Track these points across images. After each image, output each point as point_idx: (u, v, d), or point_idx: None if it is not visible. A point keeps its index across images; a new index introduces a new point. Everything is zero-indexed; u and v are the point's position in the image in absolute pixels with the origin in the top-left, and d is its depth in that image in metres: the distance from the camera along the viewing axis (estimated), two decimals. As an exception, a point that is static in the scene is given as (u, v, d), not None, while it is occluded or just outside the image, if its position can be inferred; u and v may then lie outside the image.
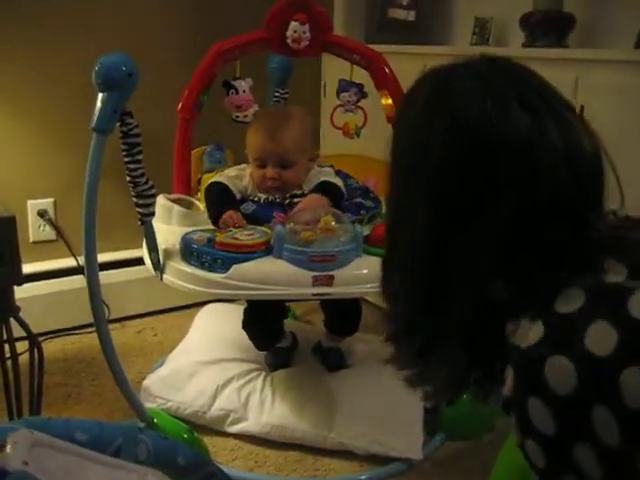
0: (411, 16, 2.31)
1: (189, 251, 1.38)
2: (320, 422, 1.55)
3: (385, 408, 1.58)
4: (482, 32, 2.11)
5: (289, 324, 1.91)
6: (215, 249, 1.34)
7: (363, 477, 1.47)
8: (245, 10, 2.23)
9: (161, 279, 1.42)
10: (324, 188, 1.52)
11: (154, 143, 1.89)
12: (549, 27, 1.85)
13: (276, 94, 2.03)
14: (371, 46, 2.23)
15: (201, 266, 1.35)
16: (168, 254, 1.42)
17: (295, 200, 1.52)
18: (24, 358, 1.43)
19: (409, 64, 1.77)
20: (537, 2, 1.90)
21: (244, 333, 1.75)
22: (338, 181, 1.58)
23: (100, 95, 1.21)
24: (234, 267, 1.31)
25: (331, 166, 1.69)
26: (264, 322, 1.69)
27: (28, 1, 1.96)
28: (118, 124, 1.25)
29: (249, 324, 1.69)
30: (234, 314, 1.96)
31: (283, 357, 1.77)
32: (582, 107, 1.65)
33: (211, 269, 1.33)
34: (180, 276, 1.38)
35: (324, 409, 1.58)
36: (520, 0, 1.96)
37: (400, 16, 2.32)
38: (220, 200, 1.50)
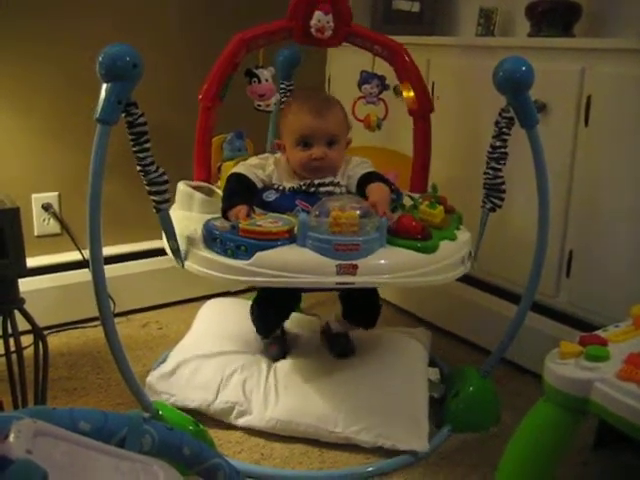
0: (416, 7, 2.30)
1: (212, 238, 1.37)
2: (325, 416, 1.55)
3: (390, 400, 1.57)
4: (487, 22, 2.10)
5: (292, 316, 1.90)
6: (239, 236, 1.34)
7: (369, 469, 1.47)
8: (253, 2, 2.24)
9: (182, 266, 1.42)
10: (380, 178, 1.54)
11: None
12: (555, 16, 1.85)
13: (282, 86, 2.03)
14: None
15: (224, 253, 1.34)
16: (190, 241, 1.41)
17: (321, 189, 1.51)
18: (29, 352, 1.42)
19: (414, 55, 1.77)
20: (543, -9, 1.89)
21: (247, 327, 1.74)
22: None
23: (104, 86, 1.20)
24: (258, 254, 1.31)
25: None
26: (276, 306, 1.67)
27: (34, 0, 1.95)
28: (123, 115, 1.24)
29: (261, 304, 1.68)
30: (237, 308, 1.96)
31: (279, 347, 1.75)
32: (589, 97, 1.65)
33: (234, 256, 1.33)
34: (203, 263, 1.37)
35: (329, 402, 1.57)
36: (526, -10, 1.95)
37: (405, 7, 2.32)
38: (234, 193, 1.50)
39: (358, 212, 1.34)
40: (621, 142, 1.62)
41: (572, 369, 1.15)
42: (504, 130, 1.44)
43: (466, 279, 2.04)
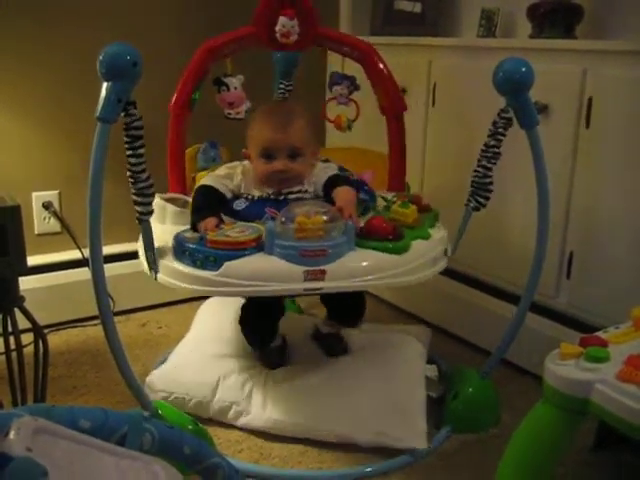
0: (417, 8, 2.30)
1: (181, 249, 1.37)
2: (323, 415, 1.55)
3: (388, 399, 1.57)
4: (489, 23, 2.10)
5: (290, 317, 1.90)
6: (207, 247, 1.34)
7: (368, 469, 1.47)
8: (242, 5, 2.23)
9: (155, 278, 1.42)
10: (345, 181, 1.54)
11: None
12: (557, 18, 1.84)
13: (280, 86, 2.02)
14: (377, 38, 2.23)
15: (193, 264, 1.34)
16: (162, 253, 1.42)
17: (290, 197, 1.52)
18: (29, 350, 1.42)
19: (415, 56, 1.77)
20: (544, -7, 1.88)
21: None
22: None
23: (104, 84, 1.20)
24: (226, 264, 1.31)
25: (327, 160, 1.70)
26: (259, 320, 1.68)
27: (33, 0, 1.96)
28: (122, 114, 1.24)
29: (244, 321, 1.68)
30: (236, 307, 1.96)
31: (275, 357, 1.74)
32: (590, 99, 1.65)
33: (203, 267, 1.33)
34: (173, 274, 1.37)
35: (327, 402, 1.57)
36: (527, -9, 1.95)
37: (406, 8, 2.31)
38: (202, 205, 1.50)
39: (324, 217, 1.34)
40: (622, 144, 1.62)
41: (572, 370, 1.15)
42: (500, 130, 1.44)
43: (466, 279, 2.04)
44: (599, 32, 1.86)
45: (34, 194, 2.08)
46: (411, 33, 2.18)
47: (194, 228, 1.45)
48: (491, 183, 1.49)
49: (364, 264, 1.35)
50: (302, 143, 1.54)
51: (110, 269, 1.34)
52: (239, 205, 1.53)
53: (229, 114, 1.70)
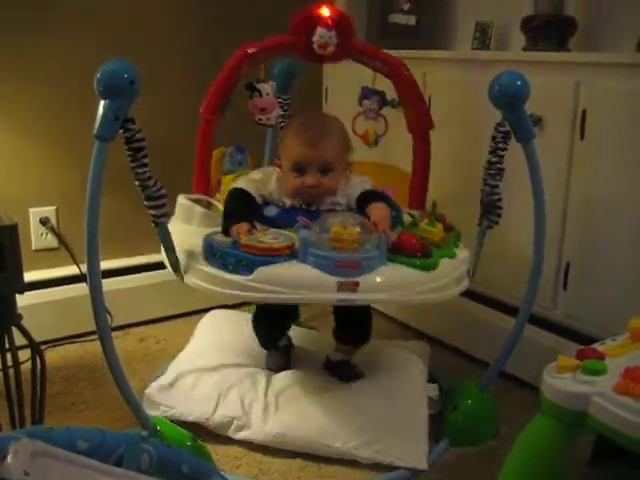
0: (412, 21, 2.31)
1: (212, 252, 1.37)
2: (324, 430, 1.54)
3: (390, 416, 1.57)
4: (483, 36, 2.11)
5: (292, 331, 1.91)
6: (240, 251, 1.34)
7: (367, 484, 1.46)
8: (242, 22, 2.25)
9: (182, 280, 1.41)
10: (380, 197, 1.55)
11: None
12: (550, 31, 1.85)
13: (279, 100, 2.03)
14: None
15: (224, 268, 1.34)
16: (190, 255, 1.41)
17: (322, 207, 1.52)
18: (26, 366, 1.42)
19: (410, 69, 1.77)
20: (538, 6, 1.90)
21: (246, 339, 1.75)
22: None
23: (102, 102, 1.21)
24: (259, 269, 1.31)
25: None
26: (275, 321, 1.69)
27: (30, 11, 1.96)
28: (121, 131, 1.25)
29: (260, 319, 1.70)
30: (237, 321, 1.96)
31: (281, 357, 1.76)
32: (584, 111, 1.66)
33: (235, 271, 1.33)
34: (203, 277, 1.37)
35: (328, 417, 1.57)
36: (521, 4, 1.96)
37: (401, 21, 2.32)
38: (235, 210, 1.49)
39: (358, 229, 1.34)
40: (617, 155, 1.63)
41: (569, 383, 1.15)
42: (500, 145, 1.45)
43: (464, 292, 2.04)
44: (592, 45, 1.88)
45: (31, 210, 2.08)
46: (406, 46, 2.18)
47: (225, 231, 1.44)
48: (499, 200, 1.49)
49: (395, 279, 1.35)
50: (334, 158, 1.53)
51: (107, 284, 1.34)
52: (270, 212, 1.53)
53: (260, 120, 1.70)
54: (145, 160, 1.29)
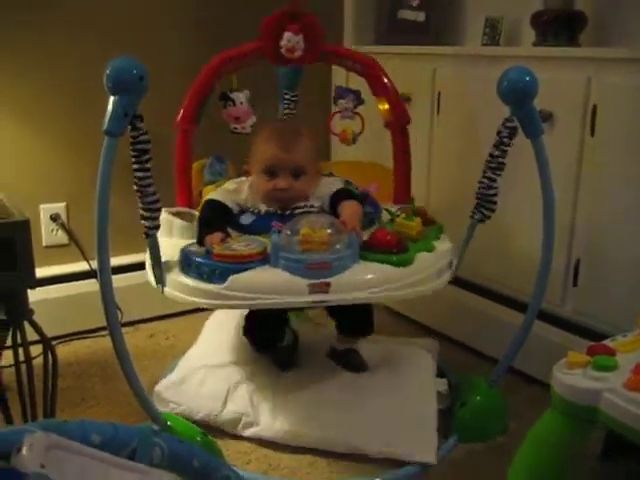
0: (421, 17, 2.31)
1: (188, 263, 1.38)
2: (333, 427, 1.55)
3: (399, 411, 1.57)
4: (492, 32, 2.10)
5: (297, 325, 1.91)
6: (213, 260, 1.35)
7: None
8: (248, 20, 2.25)
9: (162, 292, 1.43)
10: (351, 195, 1.55)
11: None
12: (560, 26, 1.84)
13: (285, 97, 2.03)
14: (381, 47, 2.24)
15: (200, 277, 1.35)
16: (168, 266, 1.43)
17: (297, 212, 1.52)
18: (38, 362, 1.43)
19: (420, 65, 1.78)
20: (548, 1, 1.89)
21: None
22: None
23: (111, 98, 1.21)
24: (231, 277, 1.32)
25: (330, 174, 1.71)
26: (263, 328, 1.69)
27: (37, 10, 1.97)
28: (129, 128, 1.25)
29: (249, 331, 1.71)
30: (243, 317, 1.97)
31: (285, 355, 1.77)
32: (595, 107, 1.65)
33: (210, 280, 1.34)
34: (180, 288, 1.39)
35: (337, 412, 1.57)
36: (531, -1, 1.95)
37: (410, 17, 2.32)
38: (209, 220, 1.51)
39: (328, 230, 1.35)
40: (627, 151, 1.62)
41: (580, 379, 1.15)
42: (505, 140, 1.44)
43: (473, 287, 2.04)
44: (603, 40, 1.87)
45: (42, 206, 2.09)
46: (415, 42, 2.19)
47: (200, 242, 1.45)
48: (495, 195, 1.49)
49: (368, 277, 1.35)
50: (306, 162, 1.55)
51: (118, 280, 1.35)
52: (246, 220, 1.54)
53: (235, 129, 1.71)
54: (148, 165, 1.29)
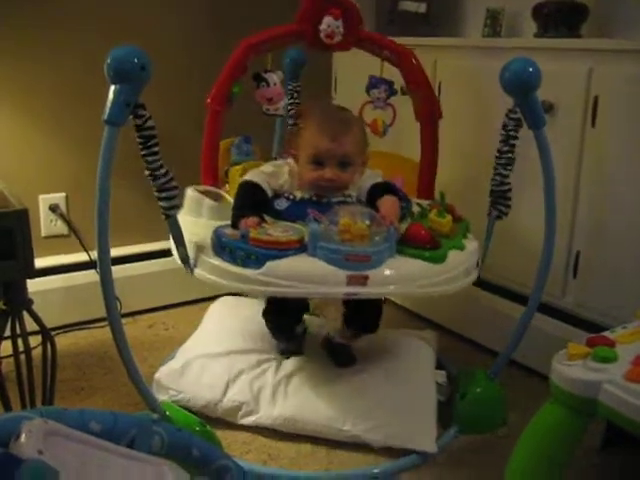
0: (422, 8, 2.30)
1: (221, 246, 1.37)
2: (333, 415, 1.55)
3: (399, 400, 1.57)
4: (494, 23, 2.10)
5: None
6: (249, 245, 1.33)
7: (376, 470, 1.47)
8: (254, 6, 2.24)
9: (192, 273, 1.41)
10: (390, 189, 1.54)
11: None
12: (562, 17, 1.84)
13: (289, 87, 2.03)
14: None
15: (233, 261, 1.34)
16: (199, 248, 1.41)
17: (334, 200, 1.50)
18: (37, 352, 1.43)
19: (420, 56, 1.77)
20: (549, -8, 1.88)
21: (256, 325, 1.75)
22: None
23: (112, 87, 1.21)
24: (268, 263, 1.30)
25: None
26: (286, 314, 1.68)
27: (40, 4, 1.96)
28: (131, 117, 1.24)
29: (271, 314, 1.69)
30: (246, 307, 1.97)
31: (297, 343, 1.77)
32: (596, 98, 1.65)
33: (244, 264, 1.32)
34: (212, 271, 1.37)
35: (337, 402, 1.58)
36: (532, -10, 1.94)
37: (411, 8, 2.31)
38: (245, 203, 1.48)
39: (368, 221, 1.34)
40: (628, 143, 1.61)
41: (580, 370, 1.15)
42: (511, 134, 1.44)
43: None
44: (604, 31, 1.86)
45: (41, 197, 2.08)
46: (416, 33, 2.18)
47: (234, 225, 1.43)
48: (509, 190, 1.48)
49: (404, 272, 1.35)
50: (354, 153, 1.52)
51: (117, 271, 1.34)
52: (280, 205, 1.52)
53: (267, 110, 1.69)
54: (156, 149, 1.28)
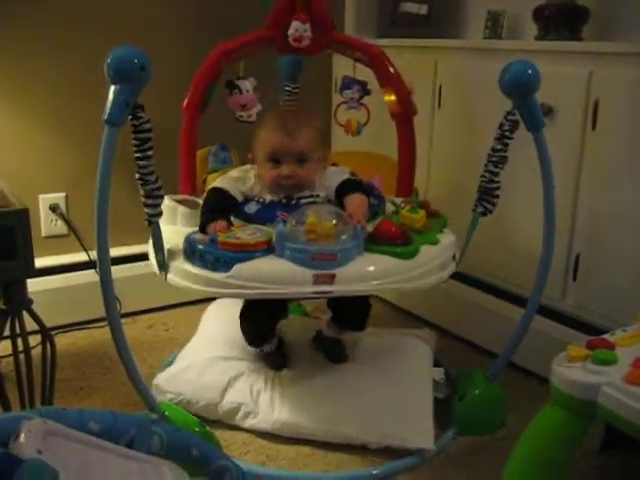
0: (423, 10, 2.30)
1: (192, 251, 1.38)
2: (330, 417, 1.55)
3: (396, 400, 1.57)
4: (495, 25, 2.09)
5: (295, 320, 1.92)
6: (217, 248, 1.34)
7: (375, 472, 1.46)
8: (252, 8, 2.24)
9: (165, 279, 1.42)
10: (358, 186, 1.54)
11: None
12: (562, 20, 1.84)
13: (287, 89, 2.03)
14: (383, 40, 2.24)
15: (204, 266, 1.35)
16: (172, 254, 1.42)
17: (302, 201, 1.51)
18: (36, 352, 1.43)
19: (421, 58, 1.77)
20: (550, -5, 1.88)
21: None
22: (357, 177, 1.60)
23: (112, 87, 1.21)
24: (236, 266, 1.31)
25: (334, 164, 1.70)
26: (260, 318, 1.67)
27: (39, 2, 1.96)
28: (130, 117, 1.24)
29: (243, 318, 1.69)
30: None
31: (274, 359, 1.74)
32: (597, 101, 1.65)
33: (214, 268, 1.34)
34: (184, 276, 1.38)
35: (335, 403, 1.58)
36: (533, -7, 1.95)
37: (412, 10, 2.31)
38: (213, 208, 1.50)
39: (334, 220, 1.35)
40: (629, 146, 1.61)
41: (580, 373, 1.15)
42: (506, 134, 1.44)
43: (473, 282, 2.04)
44: (605, 34, 1.86)
45: (41, 196, 2.08)
46: (417, 35, 2.18)
47: (203, 229, 1.44)
48: (498, 188, 1.49)
49: (373, 268, 1.35)
50: (309, 149, 1.53)
51: (117, 271, 1.35)
52: (250, 208, 1.53)
53: (241, 117, 1.70)
54: (150, 153, 1.28)
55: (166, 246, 1.42)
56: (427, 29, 2.26)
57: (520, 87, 1.38)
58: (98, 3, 2.06)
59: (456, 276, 1.94)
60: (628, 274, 1.64)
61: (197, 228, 1.47)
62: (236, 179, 1.59)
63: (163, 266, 1.41)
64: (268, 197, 1.54)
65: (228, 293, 1.35)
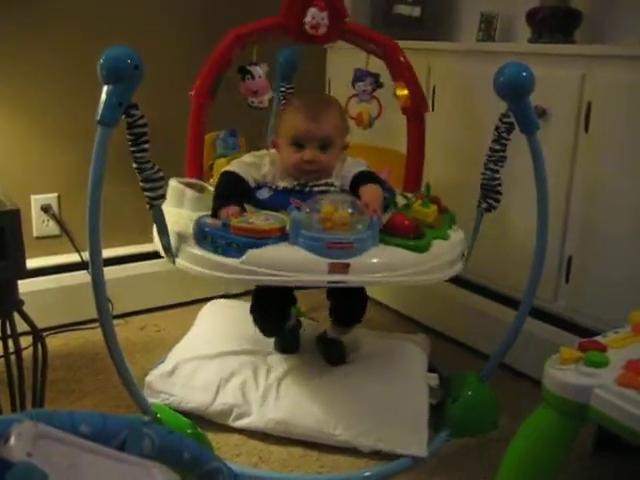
0: (416, 12, 2.30)
1: (203, 235, 1.36)
2: (324, 419, 1.55)
3: (390, 405, 1.57)
4: (488, 28, 2.10)
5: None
6: (230, 233, 1.33)
7: (368, 474, 1.46)
8: (247, 6, 2.23)
9: (173, 263, 1.41)
10: (373, 178, 1.54)
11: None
12: (556, 23, 1.84)
13: (282, 89, 2.03)
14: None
15: (215, 250, 1.33)
16: (181, 238, 1.41)
17: (316, 189, 1.50)
18: (27, 353, 1.42)
19: (414, 60, 1.77)
20: (544, -3, 1.89)
21: (247, 327, 1.75)
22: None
23: (105, 87, 1.20)
24: (249, 252, 1.30)
25: None
26: (271, 308, 1.67)
27: (34, 3, 1.96)
28: (123, 116, 1.24)
29: (257, 309, 1.68)
30: (238, 310, 1.96)
31: (291, 339, 1.77)
32: (589, 103, 1.65)
33: (225, 253, 1.32)
34: (193, 260, 1.36)
35: (328, 405, 1.57)
36: (526, -5, 1.95)
37: (405, 12, 2.31)
38: (226, 193, 1.48)
39: (350, 210, 1.34)
40: (621, 148, 1.62)
41: (572, 375, 1.15)
42: (503, 135, 1.44)
43: (466, 284, 2.05)
44: (598, 37, 1.87)
45: (33, 197, 2.07)
46: (410, 37, 2.18)
47: (215, 214, 1.43)
48: (499, 185, 1.49)
49: (387, 260, 1.34)
50: (333, 134, 1.53)
51: (109, 272, 1.34)
52: (263, 194, 1.51)
53: (252, 102, 1.68)
54: (146, 145, 1.27)
55: (173, 229, 1.41)
56: (420, 31, 2.27)
57: (515, 89, 1.38)
58: (92, 3, 2.05)
59: (450, 279, 1.94)
60: (620, 277, 1.64)
61: (204, 212, 1.46)
62: (250, 164, 1.57)
63: (169, 249, 1.40)
64: (281, 184, 1.53)
65: (241, 279, 1.33)
